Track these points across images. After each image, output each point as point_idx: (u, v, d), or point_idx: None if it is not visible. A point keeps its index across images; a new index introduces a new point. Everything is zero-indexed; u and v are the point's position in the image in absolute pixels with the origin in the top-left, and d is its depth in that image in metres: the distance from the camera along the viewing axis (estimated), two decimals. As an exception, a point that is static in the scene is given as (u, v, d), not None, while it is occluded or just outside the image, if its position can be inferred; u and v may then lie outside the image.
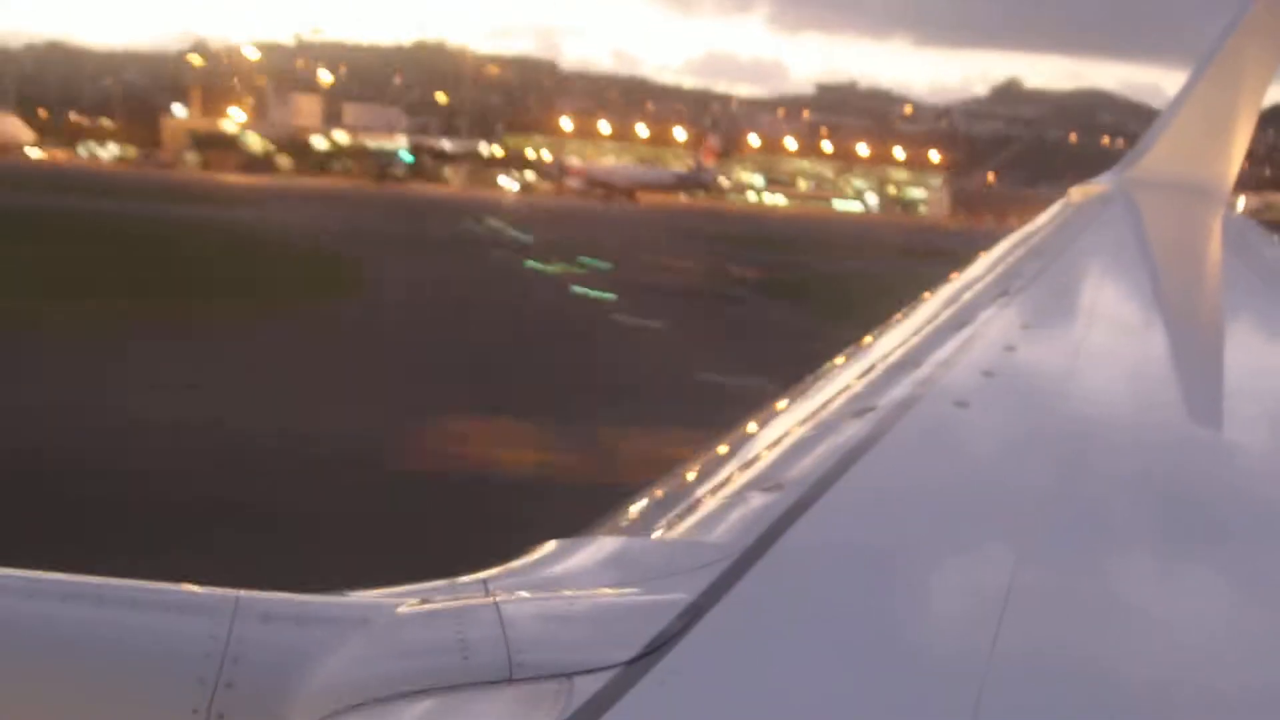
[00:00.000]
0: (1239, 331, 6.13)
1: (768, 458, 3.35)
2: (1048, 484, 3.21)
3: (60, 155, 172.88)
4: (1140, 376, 4.76)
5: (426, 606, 2.40)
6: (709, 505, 2.98)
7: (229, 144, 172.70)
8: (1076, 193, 12.26)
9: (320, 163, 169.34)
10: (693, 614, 2.26)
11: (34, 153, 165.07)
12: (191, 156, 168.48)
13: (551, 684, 2.08)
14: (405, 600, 2.42)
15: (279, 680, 2.22)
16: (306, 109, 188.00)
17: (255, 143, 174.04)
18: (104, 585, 2.38)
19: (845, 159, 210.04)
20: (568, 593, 2.46)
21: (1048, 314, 5.54)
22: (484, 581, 2.53)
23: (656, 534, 2.86)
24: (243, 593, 2.37)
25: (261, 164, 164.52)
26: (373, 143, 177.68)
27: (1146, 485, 3.37)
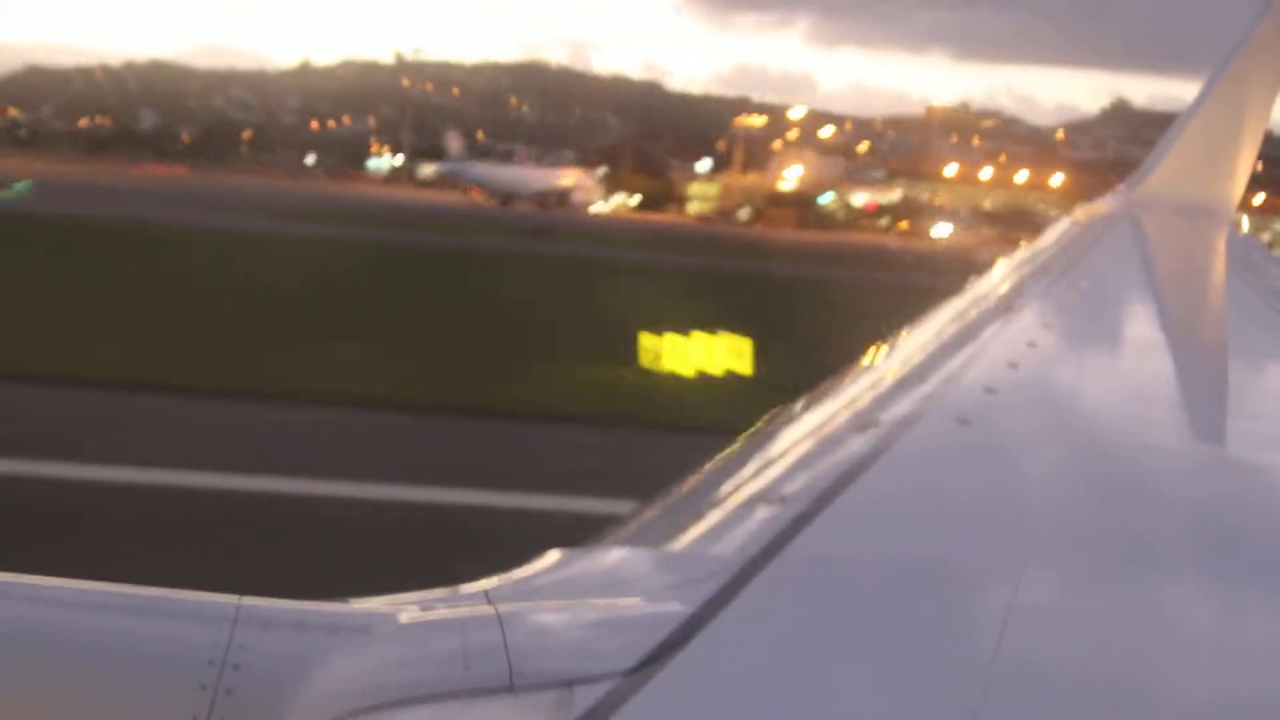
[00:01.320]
0: (1242, 351, 6.13)
1: (771, 471, 3.37)
2: (1049, 502, 3.23)
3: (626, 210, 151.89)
4: (1143, 396, 4.78)
5: (428, 615, 2.41)
6: (711, 518, 2.99)
7: (791, 202, 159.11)
8: (1081, 211, 12.34)
9: (854, 219, 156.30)
10: (693, 625, 2.27)
11: (606, 205, 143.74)
12: (744, 213, 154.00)
13: (552, 693, 2.09)
14: (407, 608, 2.44)
15: (279, 688, 2.22)
16: (815, 164, 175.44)
17: (822, 200, 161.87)
18: (105, 591, 2.39)
19: (1004, 185, 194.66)
20: (569, 603, 2.47)
21: (1051, 332, 5.58)
22: (485, 591, 2.54)
23: (659, 546, 2.87)
24: (244, 599, 2.37)
25: (822, 221, 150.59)
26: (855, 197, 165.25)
27: (1148, 505, 3.38)
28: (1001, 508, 3.15)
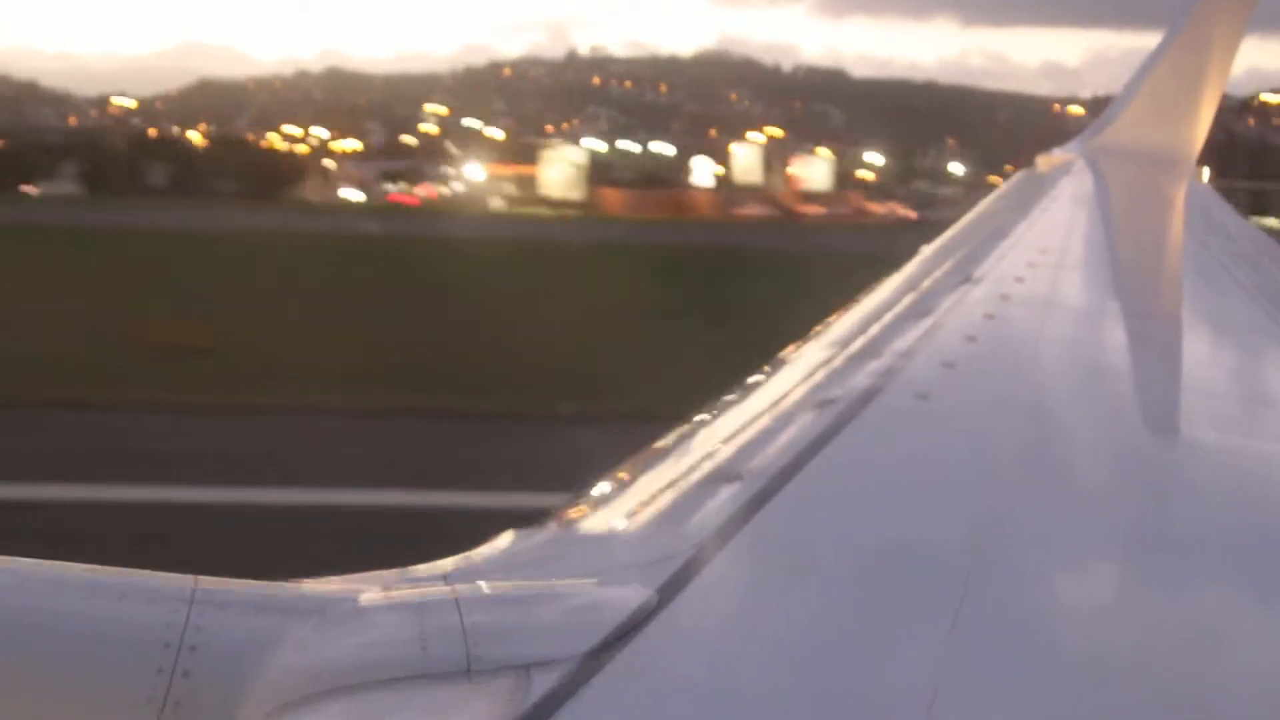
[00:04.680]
0: (1198, 319, 6.15)
1: (728, 448, 3.36)
2: (1008, 478, 3.23)
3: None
4: (1100, 369, 4.79)
5: (385, 596, 2.39)
6: (669, 496, 2.98)
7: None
8: (1043, 161, 12.15)
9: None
10: (653, 606, 2.27)
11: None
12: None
13: (510, 676, 2.09)
14: (364, 589, 2.42)
15: (236, 670, 2.20)
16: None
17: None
18: (59, 570, 2.36)
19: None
20: (527, 584, 2.45)
21: (1008, 303, 5.57)
22: (444, 573, 2.52)
23: (616, 525, 2.87)
24: (200, 579, 2.34)
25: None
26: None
27: (1105, 481, 3.40)
28: (961, 484, 3.17)
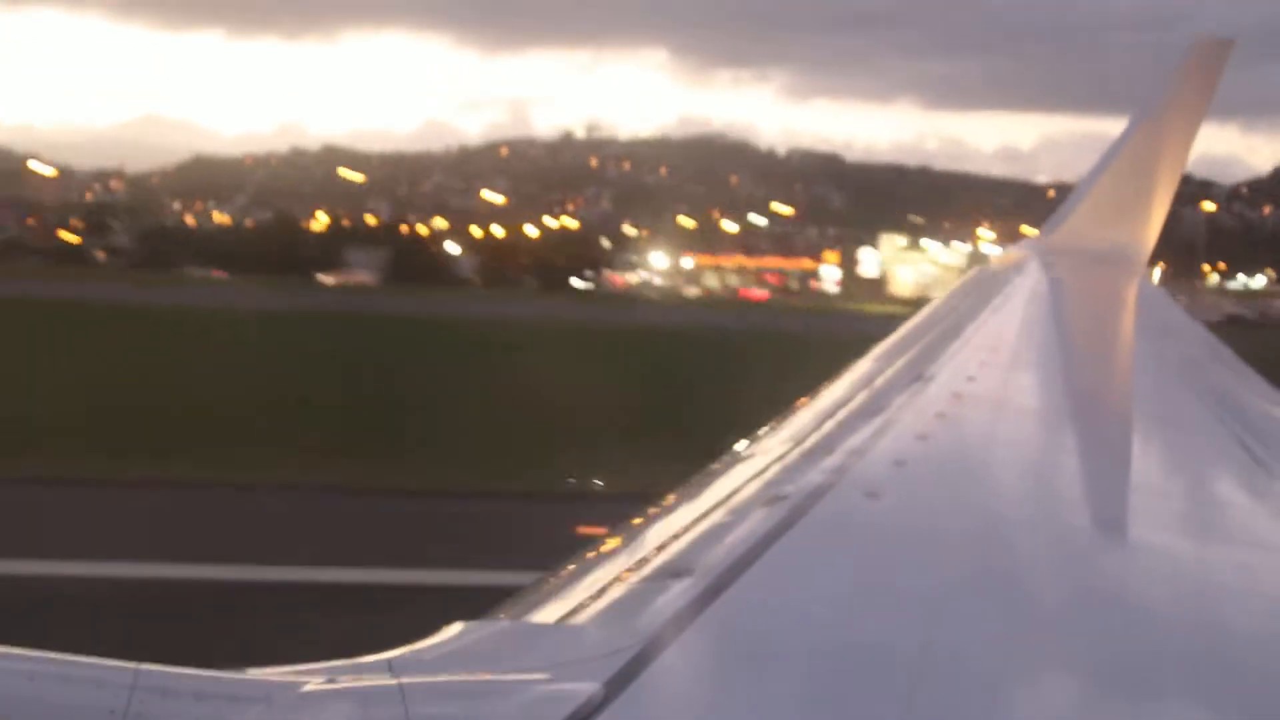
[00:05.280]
0: (1149, 421, 6.17)
1: (676, 544, 3.37)
2: (958, 578, 3.25)
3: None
4: (1052, 470, 4.86)
5: (329, 686, 2.37)
6: (618, 589, 2.98)
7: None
8: (996, 261, 12.26)
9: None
10: (598, 701, 2.26)
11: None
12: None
13: None
14: (307, 679, 2.40)
15: None
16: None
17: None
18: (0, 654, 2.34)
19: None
20: (473, 676, 2.45)
21: (960, 402, 5.62)
22: (389, 662, 2.51)
23: (564, 619, 2.85)
24: (142, 666, 2.32)
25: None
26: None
27: (1056, 582, 3.41)
28: (909, 584, 3.17)
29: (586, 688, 2.30)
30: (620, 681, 2.34)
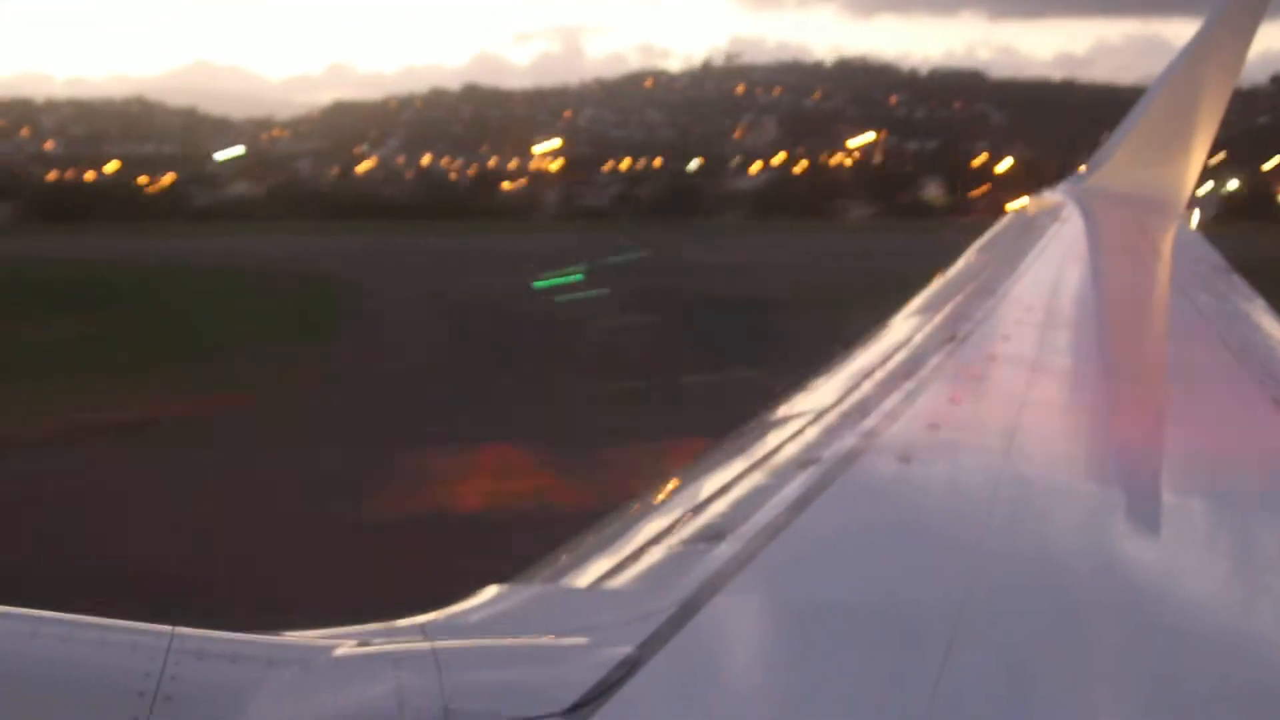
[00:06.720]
0: (1182, 368, 6.14)
1: (710, 508, 3.37)
2: (989, 541, 3.24)
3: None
4: (1084, 432, 4.83)
5: (363, 650, 2.39)
6: (651, 555, 2.99)
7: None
8: (1033, 204, 11.85)
9: None
10: (632, 664, 2.27)
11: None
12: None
13: None
14: (342, 642, 2.41)
15: (210, 719, 2.22)
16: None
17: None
18: (37, 618, 2.34)
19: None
20: (506, 640, 2.45)
21: (995, 363, 5.59)
22: (423, 626, 2.52)
23: (598, 583, 2.86)
24: (177, 629, 2.34)
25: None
26: None
27: (1090, 539, 3.41)
28: (941, 546, 3.18)
29: (619, 650, 2.31)
30: (655, 644, 2.35)
